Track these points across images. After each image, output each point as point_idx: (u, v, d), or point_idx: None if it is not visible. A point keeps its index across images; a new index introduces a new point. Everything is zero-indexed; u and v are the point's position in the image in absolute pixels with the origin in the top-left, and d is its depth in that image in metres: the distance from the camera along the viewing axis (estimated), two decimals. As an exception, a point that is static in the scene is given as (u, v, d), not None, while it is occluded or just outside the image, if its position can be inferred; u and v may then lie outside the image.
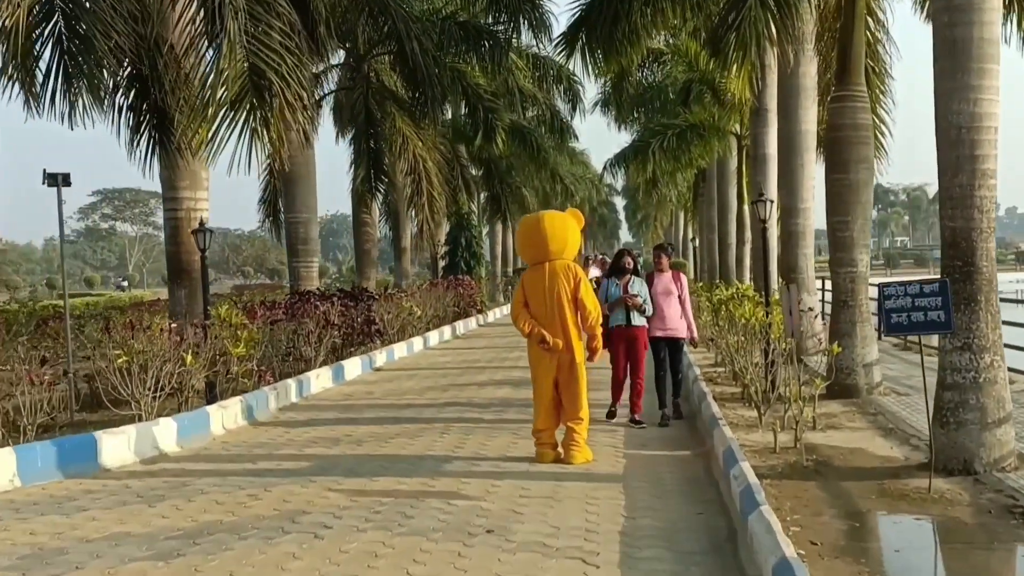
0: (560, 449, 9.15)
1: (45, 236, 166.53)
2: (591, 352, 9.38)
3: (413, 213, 24.72)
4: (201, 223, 13.40)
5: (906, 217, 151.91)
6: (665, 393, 11.15)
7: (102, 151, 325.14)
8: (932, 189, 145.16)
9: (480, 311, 29.82)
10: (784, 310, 9.15)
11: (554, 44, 18.06)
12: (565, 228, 9.18)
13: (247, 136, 11.36)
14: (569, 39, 15.75)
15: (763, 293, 12.95)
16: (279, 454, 9.77)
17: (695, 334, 11.53)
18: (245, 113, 11.23)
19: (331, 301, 16.63)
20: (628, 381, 10.98)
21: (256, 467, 9.13)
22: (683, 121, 25.39)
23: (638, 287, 10.68)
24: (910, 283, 7.44)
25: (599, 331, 9.35)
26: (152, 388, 11.09)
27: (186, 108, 11.79)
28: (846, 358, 11.77)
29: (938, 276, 7.97)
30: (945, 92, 7.95)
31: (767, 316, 11.35)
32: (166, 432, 10.22)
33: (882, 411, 11.07)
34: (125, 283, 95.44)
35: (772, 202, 12.72)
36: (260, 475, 8.73)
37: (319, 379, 14.82)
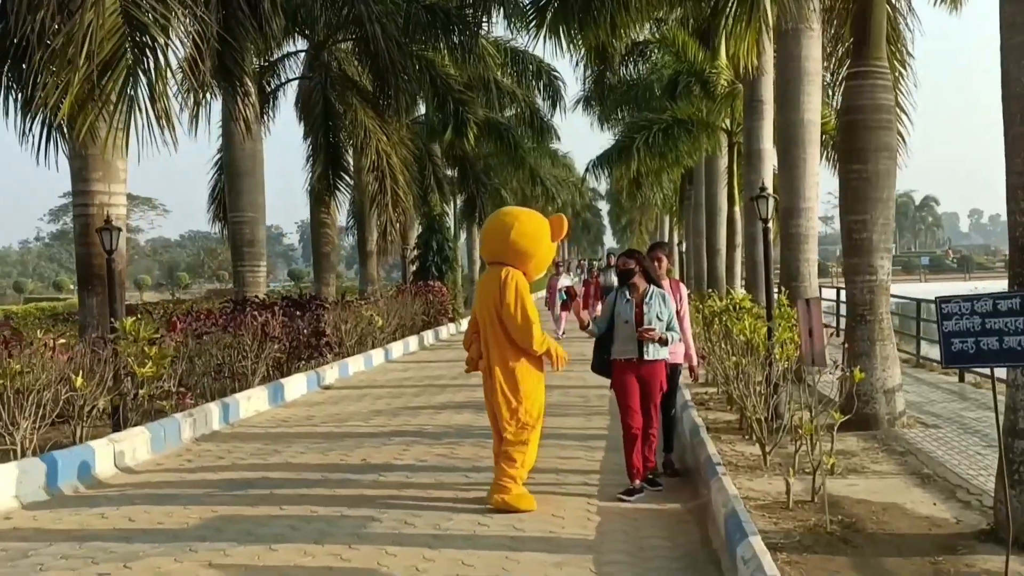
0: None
1: (19, 239, 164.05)
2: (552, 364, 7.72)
3: (376, 215, 22.74)
4: (108, 220, 11.42)
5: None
6: (672, 437, 8.97)
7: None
8: (918, 196, 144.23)
9: (452, 319, 27.89)
10: (802, 329, 7.24)
11: (523, 13, 16.09)
12: (514, 229, 7.52)
13: (124, 108, 9.33)
14: (539, 6, 13.78)
15: (764, 305, 11.04)
16: (166, 507, 7.80)
17: (695, 362, 9.29)
18: (121, 78, 9.20)
19: (272, 310, 14.66)
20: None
21: (128, 527, 7.17)
22: (669, 116, 23.51)
23: (657, 305, 7.83)
24: (979, 297, 5.52)
25: (550, 350, 7.57)
26: (32, 416, 9.18)
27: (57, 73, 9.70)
28: (864, 382, 9.84)
29: (932, 290, 6.08)
30: (1017, 48, 6.06)
31: (770, 332, 9.51)
32: (29, 477, 8.23)
33: (911, 450, 9.15)
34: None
35: (773, 198, 10.84)
36: (129, 539, 6.76)
37: (251, 401, 12.84)
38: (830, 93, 12.29)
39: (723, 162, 26.01)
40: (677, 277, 55.12)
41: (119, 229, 11.52)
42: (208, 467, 9.41)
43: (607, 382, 13.23)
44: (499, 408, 7.53)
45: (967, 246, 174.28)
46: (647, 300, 7.82)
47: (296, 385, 14.59)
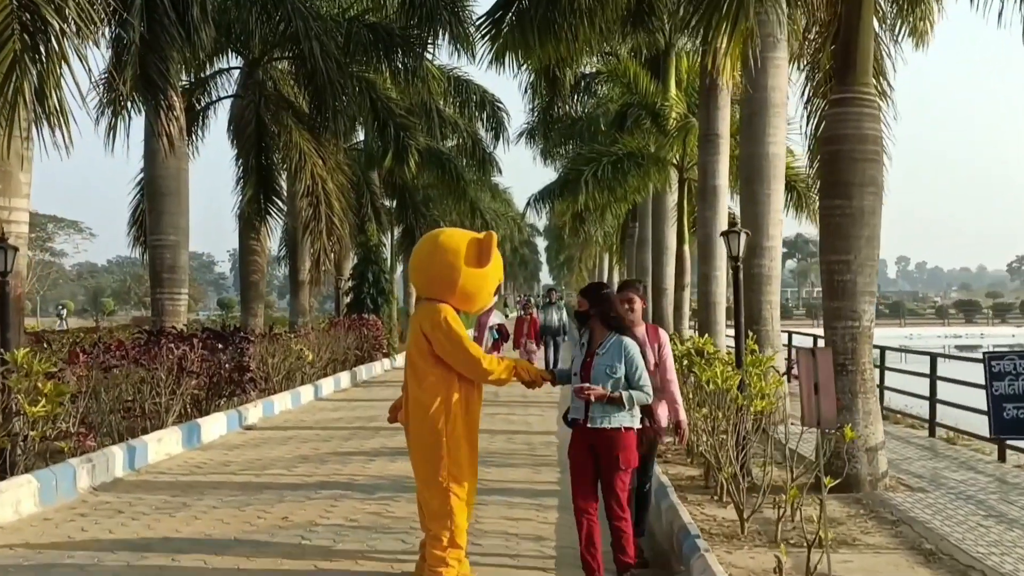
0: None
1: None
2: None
3: (310, 243, 21.50)
4: (3, 238, 10.11)
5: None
6: (643, 520, 7.36)
7: None
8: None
9: (387, 354, 26.65)
10: (803, 383, 6.24)
11: (477, 26, 15.06)
12: (429, 255, 6.31)
13: (10, 102, 8.05)
14: (495, 19, 12.80)
15: (734, 351, 10.07)
16: (44, 577, 6.55)
17: (684, 425, 7.37)
18: (5, 66, 7.93)
19: (191, 343, 13.38)
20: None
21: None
22: (619, 149, 22.68)
23: (611, 357, 6.15)
24: (1035, 353, 4.56)
25: (515, 369, 6.34)
26: None
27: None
28: (843, 439, 8.90)
29: None
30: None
31: (741, 381, 8.54)
32: None
33: (903, 518, 8.15)
34: (63, 311, 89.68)
35: (747, 234, 9.91)
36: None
37: (162, 443, 11.54)
38: (800, 126, 11.49)
39: (672, 198, 25.25)
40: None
41: (15, 248, 10.21)
42: (102, 524, 8.13)
43: (555, 427, 12.17)
44: (416, 468, 6.32)
45: (895, 292, 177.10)
46: (600, 350, 6.22)
47: (214, 425, 13.30)
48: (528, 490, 9.62)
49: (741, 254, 9.82)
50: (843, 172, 9.13)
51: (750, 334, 11.01)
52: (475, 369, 6.11)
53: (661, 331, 7.42)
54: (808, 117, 11.47)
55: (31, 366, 9.41)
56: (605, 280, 57.38)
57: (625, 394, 6.11)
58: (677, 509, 7.41)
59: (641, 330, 7.03)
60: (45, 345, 13.30)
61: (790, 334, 23.16)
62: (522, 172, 55.76)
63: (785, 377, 9.04)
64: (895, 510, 8.37)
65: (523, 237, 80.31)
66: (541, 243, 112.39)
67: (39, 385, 9.42)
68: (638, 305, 7.13)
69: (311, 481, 10.06)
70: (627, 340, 6.23)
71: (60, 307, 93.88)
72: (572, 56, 14.53)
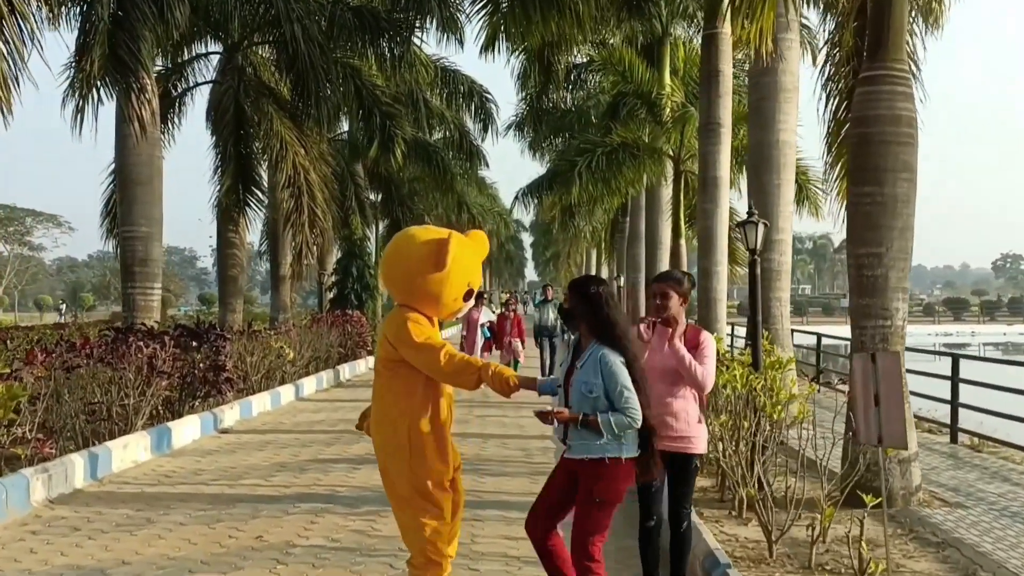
0: None
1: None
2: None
3: (291, 235, 20.61)
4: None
5: (811, 265, 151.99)
6: (655, 563, 5.85)
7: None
8: (837, 238, 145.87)
9: (371, 352, 25.76)
10: (859, 394, 5.41)
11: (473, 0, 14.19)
12: (395, 259, 5.57)
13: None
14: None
15: (750, 351, 9.27)
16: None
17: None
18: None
19: (162, 340, 12.49)
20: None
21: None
22: (615, 138, 21.83)
23: (589, 373, 4.96)
24: None
25: (489, 370, 5.22)
26: None
27: None
28: (872, 449, 8.09)
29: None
30: None
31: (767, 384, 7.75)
32: None
33: (947, 540, 7.34)
34: (63, 306, 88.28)
35: (765, 225, 9.11)
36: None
37: (128, 450, 10.66)
38: (817, 109, 10.68)
39: (666, 191, 24.50)
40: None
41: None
42: (54, 543, 7.27)
43: (550, 431, 11.17)
44: (383, 480, 5.48)
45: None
46: (579, 362, 5.09)
47: (187, 429, 12.42)
48: (527, 504, 8.74)
49: (759, 246, 9.02)
50: (874, 156, 8.33)
51: (766, 333, 10.24)
52: (433, 366, 5.23)
53: (704, 334, 5.88)
54: (827, 99, 10.68)
55: (-20, 366, 8.54)
56: (595, 274, 56.79)
57: (602, 418, 4.86)
58: (699, 530, 6.60)
59: (679, 330, 5.80)
60: (4, 343, 12.39)
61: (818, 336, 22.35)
62: (508, 167, 55.03)
63: (813, 381, 8.23)
64: (937, 530, 7.57)
65: (509, 232, 79.41)
66: (527, 239, 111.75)
67: (-11, 387, 8.56)
68: (674, 301, 5.77)
69: (289, 493, 9.21)
70: (606, 352, 4.93)
71: (61, 302, 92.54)
72: (572, 36, 13.68)
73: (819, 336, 18.43)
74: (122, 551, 7.03)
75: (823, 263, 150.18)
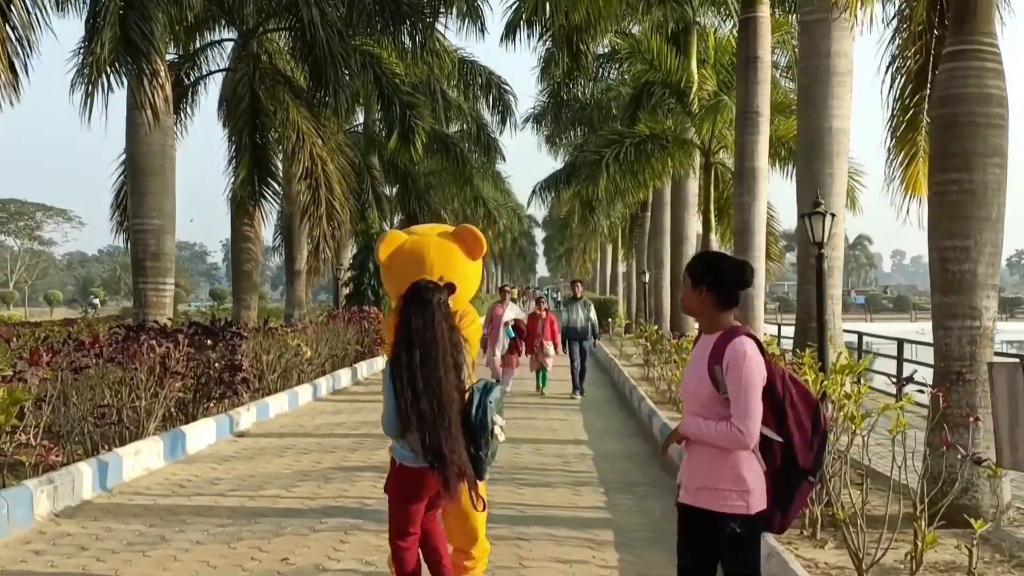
0: None
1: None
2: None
3: (308, 229, 19.87)
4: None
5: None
6: None
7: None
8: (851, 234, 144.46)
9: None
10: (997, 411, 4.66)
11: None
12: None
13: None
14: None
15: (816, 354, 8.49)
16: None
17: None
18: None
19: (175, 339, 11.78)
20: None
21: None
22: (644, 129, 21.06)
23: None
24: None
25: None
26: None
27: None
28: (958, 462, 7.30)
29: None
30: None
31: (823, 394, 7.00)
32: None
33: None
34: (96, 301, 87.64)
35: (832, 216, 8.35)
36: None
37: (140, 457, 9.94)
38: (881, 91, 9.90)
39: (693, 184, 23.76)
40: (622, 309, 51.07)
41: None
42: (59, 566, 6.56)
43: (585, 435, 10.90)
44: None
45: (893, 286, 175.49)
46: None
47: (202, 433, 11.70)
48: (574, 519, 8.05)
49: (826, 239, 8.26)
50: (961, 140, 7.56)
51: (830, 334, 9.48)
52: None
53: (733, 347, 3.97)
54: (891, 80, 9.90)
55: (-21, 368, 7.84)
56: (608, 273, 55.77)
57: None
58: (786, 561, 5.83)
59: (726, 338, 4.06)
60: (8, 342, 11.68)
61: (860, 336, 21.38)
62: (520, 162, 54.22)
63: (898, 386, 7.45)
64: (1042, 556, 6.80)
65: (522, 228, 78.74)
66: (538, 234, 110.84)
67: (-10, 391, 7.86)
68: (686, 293, 4.24)
69: (314, 506, 8.49)
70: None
71: (92, 296, 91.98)
72: (607, 14, 12.95)
73: (860, 335, 17.57)
74: (134, 572, 6.31)
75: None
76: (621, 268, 53.67)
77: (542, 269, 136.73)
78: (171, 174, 15.21)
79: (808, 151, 11.94)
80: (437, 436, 4.85)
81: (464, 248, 6.06)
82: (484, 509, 5.51)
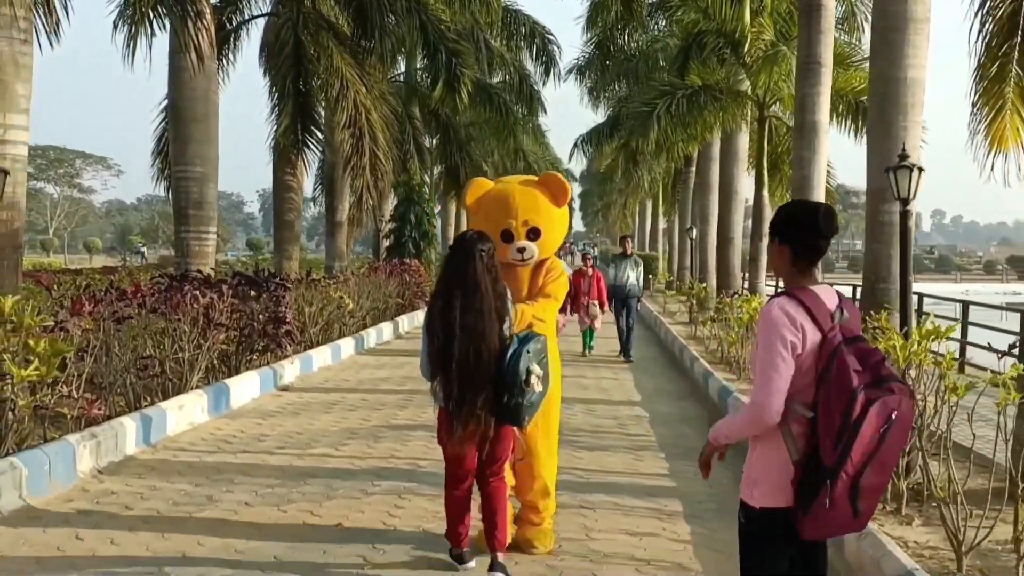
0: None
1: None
2: None
3: (351, 179, 19.44)
4: (-10, 158, 8.18)
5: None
6: None
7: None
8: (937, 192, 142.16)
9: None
10: None
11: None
12: None
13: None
14: None
15: (899, 317, 8.00)
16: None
17: None
18: None
19: (219, 289, 11.45)
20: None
21: None
22: (696, 80, 20.41)
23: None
24: None
25: None
26: None
27: None
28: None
29: None
30: None
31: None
32: None
33: None
34: (143, 249, 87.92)
35: (920, 170, 7.82)
36: None
37: (184, 411, 9.65)
38: (968, 39, 9.30)
39: (743, 138, 23.08)
40: (669, 269, 50.20)
41: (5, 171, 8.29)
42: (103, 527, 6.24)
43: (637, 396, 10.91)
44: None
45: (930, 246, 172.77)
46: None
47: (246, 387, 11.42)
48: (638, 487, 7.65)
49: (914, 195, 7.73)
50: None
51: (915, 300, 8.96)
52: None
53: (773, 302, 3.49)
54: (980, 27, 9.28)
55: (21, 319, 7.52)
56: (648, 230, 55.09)
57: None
58: (883, 542, 5.40)
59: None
60: (49, 291, 11.39)
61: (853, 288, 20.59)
62: (556, 116, 53.35)
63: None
64: None
65: (560, 182, 77.90)
66: (574, 189, 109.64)
67: (30, 343, 7.53)
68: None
69: (365, 466, 8.14)
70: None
71: (139, 245, 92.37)
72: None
73: (920, 296, 16.92)
74: (182, 541, 5.98)
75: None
76: (661, 224, 52.98)
77: (577, 224, 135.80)
78: (214, 121, 14.81)
79: (881, 101, 11.31)
80: (459, 381, 5.03)
81: (549, 195, 6.08)
82: (522, 457, 5.67)
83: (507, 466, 5.62)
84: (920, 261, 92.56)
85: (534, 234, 5.97)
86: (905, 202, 7.80)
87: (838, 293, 3.59)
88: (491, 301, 5.07)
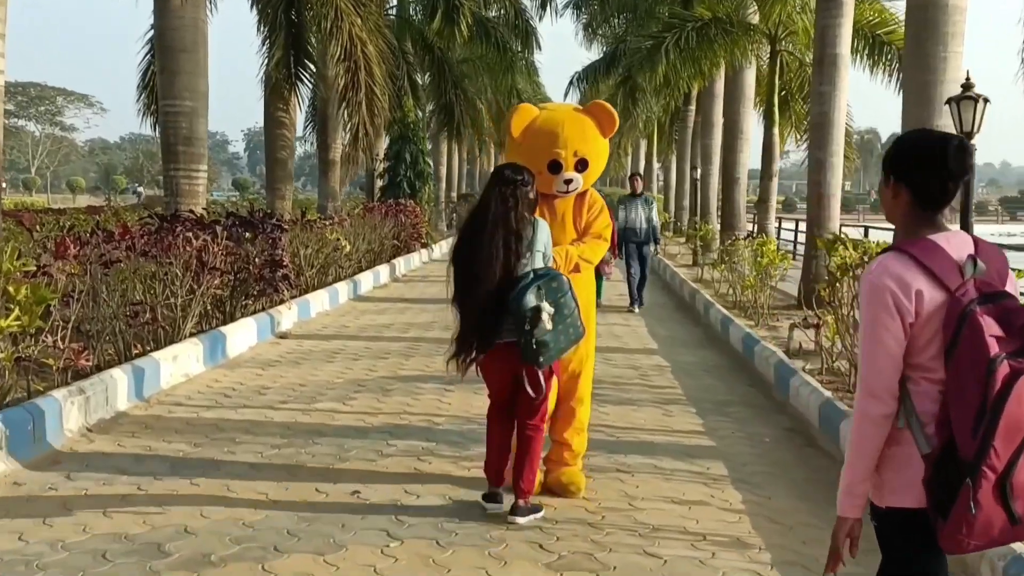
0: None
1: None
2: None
3: (346, 115, 18.61)
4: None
5: (858, 161, 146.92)
6: None
7: None
8: (884, 132, 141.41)
9: (424, 245, 24.04)
10: None
11: None
12: None
13: None
14: None
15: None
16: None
17: None
18: None
19: (213, 230, 10.75)
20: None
21: None
22: (704, 13, 19.57)
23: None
24: None
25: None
26: None
27: None
28: None
29: None
30: None
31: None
32: None
33: None
34: (140, 188, 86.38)
35: (985, 101, 7.16)
36: None
37: (178, 361, 9.01)
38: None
39: (749, 74, 22.31)
40: (668, 208, 49.54)
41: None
42: (93, 495, 5.63)
43: (653, 343, 10.81)
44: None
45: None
46: None
47: (243, 334, 10.78)
48: (674, 447, 7.06)
49: (977, 128, 7.07)
50: None
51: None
52: None
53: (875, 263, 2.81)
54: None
55: (-1, 264, 6.84)
56: (642, 170, 54.21)
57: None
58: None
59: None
60: (30, 232, 10.67)
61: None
62: (548, 56, 52.26)
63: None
64: None
65: (552, 122, 76.78)
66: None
67: (10, 289, 6.86)
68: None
69: (377, 423, 7.53)
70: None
71: (136, 184, 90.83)
72: None
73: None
74: (182, 512, 5.36)
75: (871, 159, 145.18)
76: (656, 164, 52.15)
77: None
78: (204, 51, 13.95)
79: (920, 30, 10.61)
80: (471, 314, 5.12)
81: (597, 125, 5.81)
82: (541, 395, 5.23)
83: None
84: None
85: (582, 165, 5.68)
86: (969, 136, 7.14)
87: (974, 239, 2.89)
88: (499, 236, 5.00)
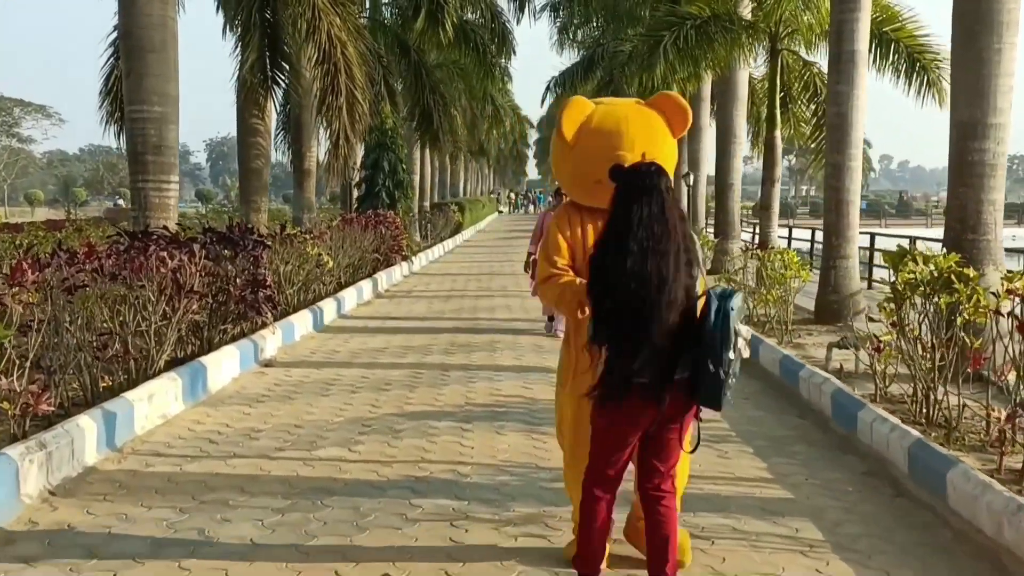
0: None
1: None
2: None
3: (324, 122, 17.45)
4: None
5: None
6: None
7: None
8: (874, 139, 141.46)
9: (405, 257, 22.88)
10: None
11: None
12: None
13: None
14: None
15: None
16: None
17: None
18: None
19: (190, 249, 9.57)
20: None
21: None
22: (703, 11, 18.59)
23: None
24: None
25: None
26: None
27: None
28: None
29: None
30: None
31: None
32: None
33: None
34: (121, 201, 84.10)
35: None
36: None
37: (155, 401, 7.83)
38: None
39: (743, 75, 21.45)
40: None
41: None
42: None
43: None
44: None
45: (882, 191, 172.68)
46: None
47: (224, 365, 9.61)
48: (748, 500, 6.00)
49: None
50: None
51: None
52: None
53: None
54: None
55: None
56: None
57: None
58: None
59: None
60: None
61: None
62: (522, 60, 51.31)
63: None
64: None
65: (523, 129, 76.03)
66: (532, 136, 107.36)
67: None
68: None
69: (393, 476, 6.40)
70: None
71: (117, 196, 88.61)
72: None
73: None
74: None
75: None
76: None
77: (532, 172, 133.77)
78: (174, 52, 12.73)
79: (972, 21, 9.68)
80: (640, 345, 3.95)
81: (666, 121, 4.79)
82: (694, 450, 4.37)
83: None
84: (880, 205, 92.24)
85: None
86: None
87: None
88: (682, 246, 3.98)
